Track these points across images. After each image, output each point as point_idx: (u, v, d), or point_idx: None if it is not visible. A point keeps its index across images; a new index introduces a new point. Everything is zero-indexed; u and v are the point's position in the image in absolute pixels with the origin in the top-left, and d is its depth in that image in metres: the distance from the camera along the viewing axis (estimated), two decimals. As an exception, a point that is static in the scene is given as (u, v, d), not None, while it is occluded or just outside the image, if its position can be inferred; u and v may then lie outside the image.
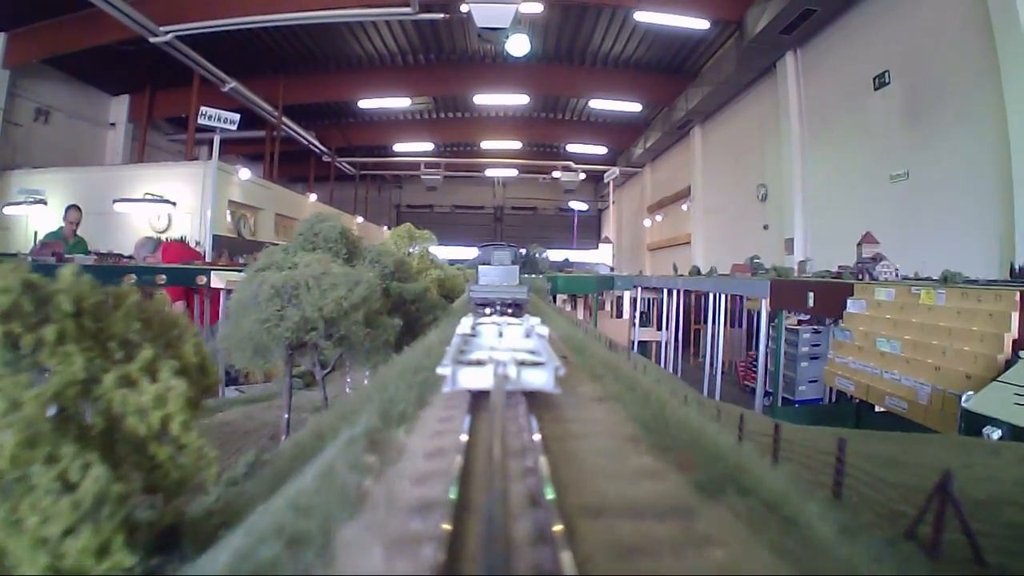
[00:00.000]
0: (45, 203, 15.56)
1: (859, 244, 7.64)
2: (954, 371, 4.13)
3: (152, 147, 23.19)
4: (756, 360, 13.47)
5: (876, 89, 13.30)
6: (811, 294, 6.00)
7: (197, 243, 14.38)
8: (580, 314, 13.69)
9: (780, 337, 7.78)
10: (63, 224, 11.00)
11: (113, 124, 22.88)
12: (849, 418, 5.68)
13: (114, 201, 15.99)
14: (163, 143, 25.01)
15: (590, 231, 39.78)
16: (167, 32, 15.59)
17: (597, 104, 26.14)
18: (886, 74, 13.03)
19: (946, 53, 11.34)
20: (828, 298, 5.81)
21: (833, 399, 8.62)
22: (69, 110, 20.86)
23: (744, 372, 13.73)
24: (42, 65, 18.86)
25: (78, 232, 11.05)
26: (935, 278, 7.39)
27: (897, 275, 6.48)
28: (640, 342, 13.13)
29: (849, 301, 5.04)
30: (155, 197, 16.07)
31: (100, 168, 19.40)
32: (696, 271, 12.58)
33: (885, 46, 13.07)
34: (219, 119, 11.69)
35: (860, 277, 6.30)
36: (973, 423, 3.62)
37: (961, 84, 10.90)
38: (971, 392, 3.73)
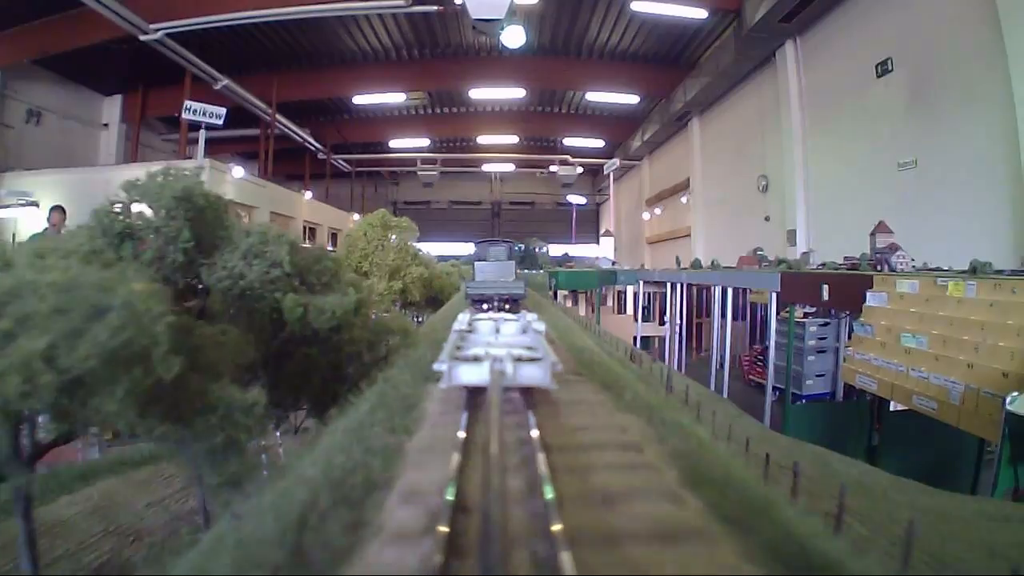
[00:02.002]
0: (37, 205, 15.32)
1: (872, 234, 7.41)
2: (989, 368, 3.82)
3: (146, 147, 22.97)
4: (761, 355, 13.28)
5: (879, 76, 13.09)
6: (825, 287, 5.76)
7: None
8: (582, 310, 13.48)
9: (791, 332, 7.57)
10: (47, 226, 10.70)
11: (106, 125, 22.62)
12: (864, 417, 5.46)
13: (106, 202, 15.71)
14: (157, 143, 24.77)
15: (588, 225, 39.58)
16: (157, 30, 15.35)
17: (594, 97, 25.92)
18: (888, 61, 12.81)
19: (950, 37, 11.14)
20: (845, 291, 5.56)
21: (843, 394, 8.43)
22: (61, 111, 20.61)
23: (748, 367, 13.52)
24: (33, 66, 18.62)
25: (63, 234, 10.75)
26: (945, 268, 7.20)
27: (913, 266, 6.26)
28: (643, 338, 12.92)
29: (869, 294, 4.78)
30: (148, 197, 15.79)
31: (92, 169, 19.13)
32: (698, 264, 12.36)
33: (887, 32, 12.86)
34: (204, 113, 11.44)
35: (878, 268, 6.05)
36: (1019, 427, 3.38)
37: (966, 68, 10.69)
38: (1016, 393, 3.50)
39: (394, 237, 6.97)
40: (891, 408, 4.46)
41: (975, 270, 4.32)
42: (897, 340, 4.14)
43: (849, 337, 8.51)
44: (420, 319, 7.55)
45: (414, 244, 6.67)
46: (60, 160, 18.99)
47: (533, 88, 25.20)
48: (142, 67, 19.25)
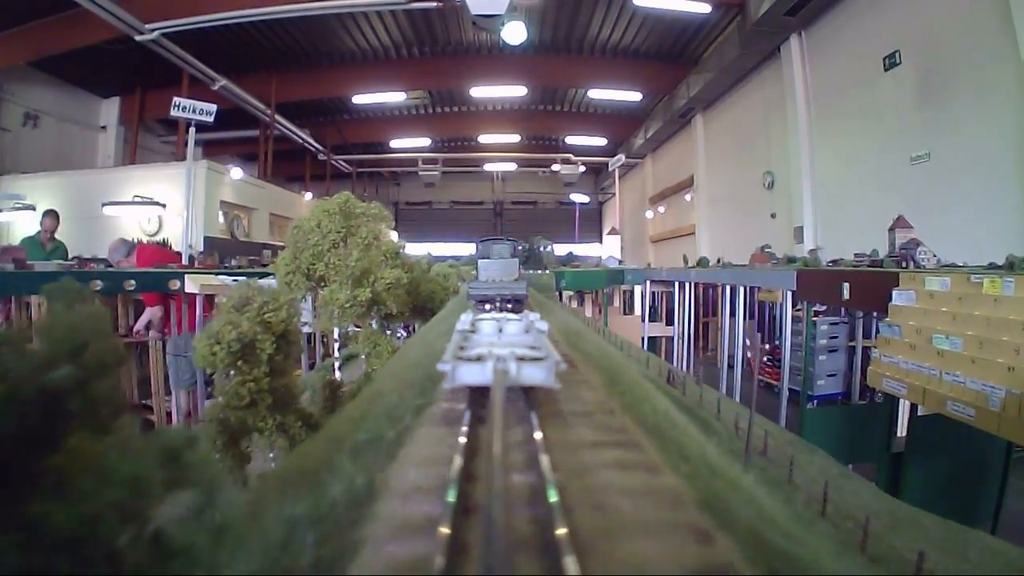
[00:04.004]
0: (33, 209, 15.17)
1: (891, 229, 7.17)
2: (1031, 373, 3.65)
3: (144, 149, 22.82)
4: (770, 354, 13.07)
5: (886, 70, 12.86)
6: (846, 285, 5.49)
7: (190, 245, 13.95)
8: (588, 311, 13.24)
9: (807, 332, 7.33)
10: (40, 230, 10.56)
11: (104, 127, 22.52)
12: (885, 420, 5.23)
13: (103, 205, 15.59)
14: (156, 145, 24.63)
15: (591, 224, 39.37)
16: (153, 30, 15.18)
17: (596, 94, 25.67)
18: (896, 54, 12.58)
19: (958, 28, 10.93)
20: (867, 289, 5.27)
21: (857, 395, 8.19)
22: (59, 114, 20.51)
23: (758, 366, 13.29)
24: (30, 68, 18.50)
25: (57, 237, 10.60)
26: (960, 264, 6.95)
27: (936, 262, 6.02)
28: (650, 338, 12.67)
29: (895, 292, 4.50)
30: (144, 199, 15.67)
31: (90, 172, 19.02)
32: (706, 262, 12.11)
33: (894, 25, 12.64)
34: (194, 110, 11.18)
35: (904, 265, 5.80)
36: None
37: (978, 59, 10.46)
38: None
39: (399, 237, 5.91)
40: (919, 412, 4.24)
41: (1012, 265, 4.05)
42: (928, 341, 3.87)
43: (866, 337, 8.32)
44: (411, 329, 6.09)
45: (391, 238, 5.33)
46: (58, 163, 18.90)
47: (534, 86, 24.98)
48: (140, 69, 19.12)
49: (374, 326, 4.25)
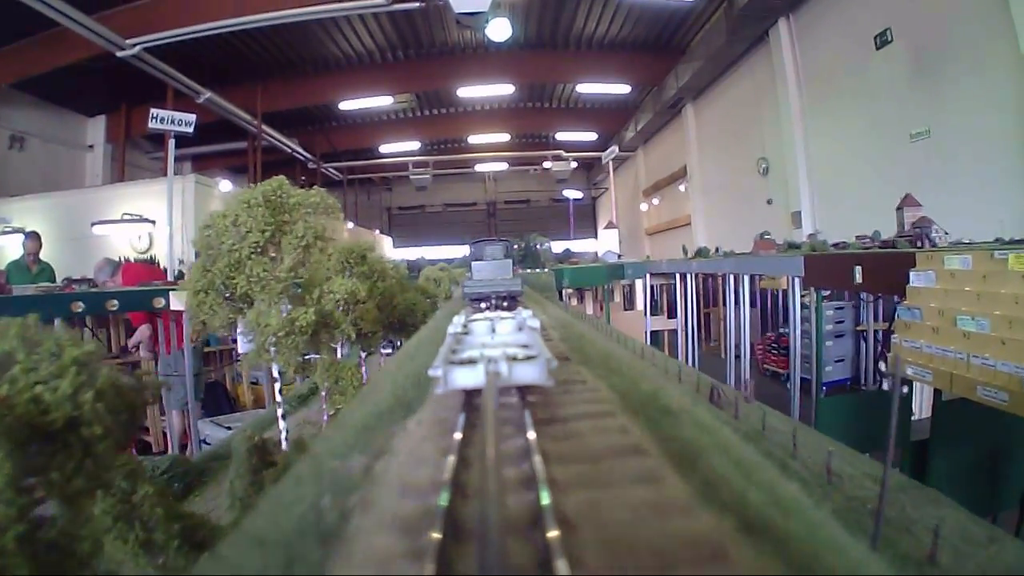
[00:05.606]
0: (23, 232, 14.99)
1: (899, 208, 7.00)
2: (1068, 352, 3.43)
3: (133, 166, 22.62)
4: (774, 342, 12.92)
5: (878, 48, 12.72)
6: (858, 268, 5.31)
7: (181, 261, 13.77)
8: (589, 308, 13.06)
9: (819, 320, 7.16)
10: (23, 253, 10.39)
11: (91, 146, 22.32)
12: (904, 407, 5.04)
13: (92, 224, 15.38)
14: (144, 161, 24.42)
15: (585, 220, 39.29)
16: (134, 45, 14.97)
17: (585, 89, 25.50)
18: (887, 32, 12.45)
19: (950, 1, 10.78)
20: (882, 272, 5.06)
21: (870, 380, 8.04)
22: (45, 135, 20.31)
23: (762, 355, 13.17)
24: (13, 90, 18.30)
25: (44, 259, 10.43)
26: (967, 241, 6.79)
27: (946, 240, 5.87)
28: (653, 332, 12.51)
29: (912, 274, 4.32)
30: (134, 217, 15.47)
31: (77, 191, 18.81)
32: (706, 252, 11.94)
33: (883, 2, 12.51)
34: (172, 121, 10.96)
35: (919, 244, 5.64)
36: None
37: (970, 32, 10.33)
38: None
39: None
40: (943, 398, 4.07)
41: (1036, 240, 3.90)
42: (952, 324, 3.69)
43: (877, 320, 8.16)
44: (396, 344, 4.92)
45: (370, 240, 4.24)
46: (46, 184, 18.68)
47: (522, 83, 24.83)
48: (124, 85, 18.93)
49: (338, 352, 3.28)
